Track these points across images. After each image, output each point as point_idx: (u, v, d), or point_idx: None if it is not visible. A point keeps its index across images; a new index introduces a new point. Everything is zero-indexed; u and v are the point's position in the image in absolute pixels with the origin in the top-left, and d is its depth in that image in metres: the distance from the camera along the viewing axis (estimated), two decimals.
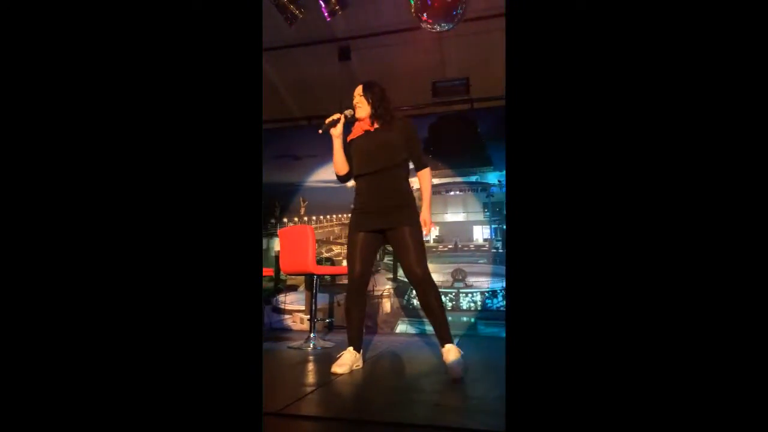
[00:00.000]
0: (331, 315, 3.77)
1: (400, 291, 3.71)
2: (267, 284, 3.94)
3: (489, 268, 3.59)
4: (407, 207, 2.01)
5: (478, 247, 3.65)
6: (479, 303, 3.54)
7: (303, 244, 2.73)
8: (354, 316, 2.05)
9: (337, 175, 2.19)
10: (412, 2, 2.87)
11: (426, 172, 2.13)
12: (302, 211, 4.09)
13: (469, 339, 3.20)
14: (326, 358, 2.25)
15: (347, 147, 2.16)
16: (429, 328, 3.18)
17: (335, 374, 1.90)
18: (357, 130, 2.14)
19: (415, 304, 3.61)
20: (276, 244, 3.74)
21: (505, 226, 3.58)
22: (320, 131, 2.12)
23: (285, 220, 4.12)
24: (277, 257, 3.73)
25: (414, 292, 3.55)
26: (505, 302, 3.46)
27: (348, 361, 1.98)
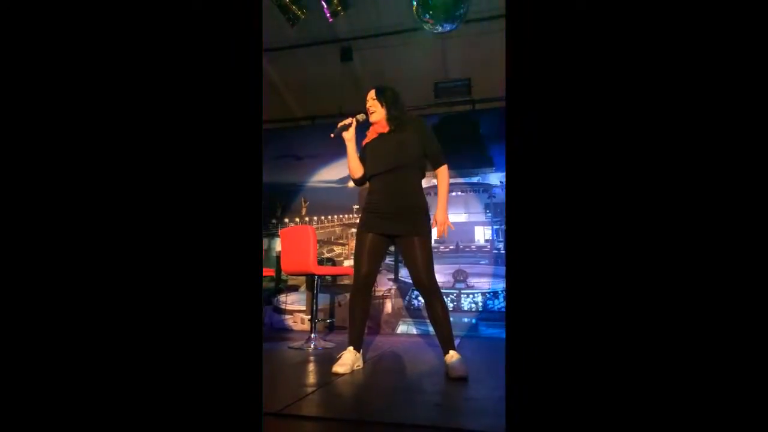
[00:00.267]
0: (332, 315, 3.77)
1: (401, 291, 3.71)
2: (268, 284, 3.94)
3: (490, 269, 3.58)
4: (419, 213, 2.01)
5: (480, 248, 3.65)
6: (480, 304, 3.54)
7: (304, 245, 2.74)
8: (357, 316, 2.05)
9: (353, 179, 2.20)
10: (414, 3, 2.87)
11: (444, 169, 2.11)
12: (303, 211, 4.09)
13: (470, 340, 3.20)
14: (327, 359, 2.25)
15: (362, 151, 2.17)
16: (430, 329, 3.18)
17: (336, 374, 1.90)
18: (371, 134, 2.16)
19: (416, 304, 3.61)
20: (277, 244, 3.75)
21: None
22: (332, 135, 2.13)
23: (286, 220, 4.12)
24: (278, 257, 3.73)
25: (415, 292, 3.57)
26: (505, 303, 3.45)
27: (349, 361, 1.98)
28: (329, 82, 4.14)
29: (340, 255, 3.96)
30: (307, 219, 4.06)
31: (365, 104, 2.14)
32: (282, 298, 3.95)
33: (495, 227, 3.65)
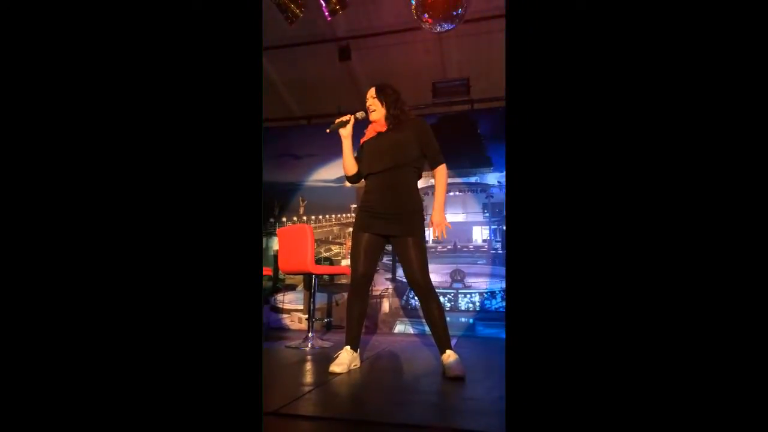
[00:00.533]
0: (329, 315, 3.77)
1: (398, 291, 3.71)
2: (265, 283, 3.94)
3: (488, 269, 3.59)
4: (414, 213, 2.00)
5: (477, 248, 3.65)
6: (478, 304, 3.54)
7: (302, 244, 2.73)
8: (354, 315, 2.05)
9: (347, 177, 2.18)
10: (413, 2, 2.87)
11: (441, 168, 2.07)
12: (301, 210, 4.09)
13: (467, 340, 3.20)
14: (324, 358, 2.25)
15: (359, 149, 2.15)
16: (427, 329, 3.18)
17: (333, 374, 1.90)
18: (370, 132, 2.14)
19: (413, 304, 3.62)
20: (275, 243, 3.74)
21: (504, 227, 3.58)
22: (328, 131, 2.11)
23: (284, 219, 4.12)
24: (275, 256, 3.73)
25: (413, 293, 3.58)
26: (504, 303, 3.46)
27: (346, 360, 1.97)
28: (327, 81, 4.14)
29: (337, 254, 3.96)
30: (304, 218, 4.06)
31: (365, 102, 2.13)
32: (279, 297, 3.95)
33: (493, 227, 3.65)
